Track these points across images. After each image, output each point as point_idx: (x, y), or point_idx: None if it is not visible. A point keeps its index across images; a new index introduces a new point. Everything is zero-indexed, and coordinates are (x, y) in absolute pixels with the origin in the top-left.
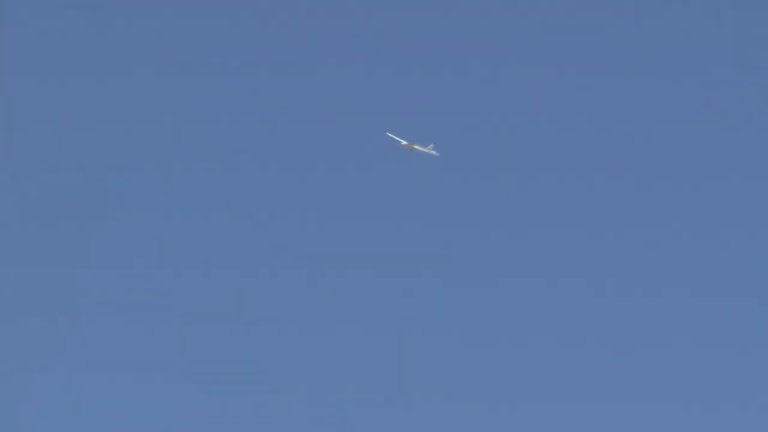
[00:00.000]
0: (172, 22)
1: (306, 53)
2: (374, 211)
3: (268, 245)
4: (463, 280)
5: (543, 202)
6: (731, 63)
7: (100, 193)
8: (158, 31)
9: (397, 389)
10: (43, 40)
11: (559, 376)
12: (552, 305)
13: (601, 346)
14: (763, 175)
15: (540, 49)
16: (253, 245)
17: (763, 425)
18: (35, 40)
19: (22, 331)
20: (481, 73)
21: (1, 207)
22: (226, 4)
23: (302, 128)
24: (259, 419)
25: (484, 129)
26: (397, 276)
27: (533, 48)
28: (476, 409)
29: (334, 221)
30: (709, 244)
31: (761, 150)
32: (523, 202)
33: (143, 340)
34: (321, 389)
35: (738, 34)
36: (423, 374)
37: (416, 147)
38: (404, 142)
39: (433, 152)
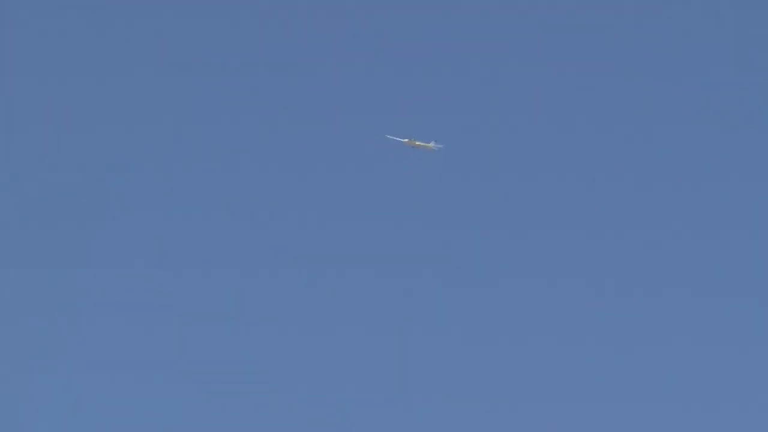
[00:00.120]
0: (172, 22)
1: (306, 53)
2: (374, 211)
3: (268, 245)
4: (463, 280)
5: (543, 202)
6: (731, 63)
7: (100, 193)
8: (158, 31)
9: (397, 389)
10: (43, 40)
11: (559, 376)
12: (552, 305)
13: (601, 346)
14: (763, 175)
15: (540, 49)
16: (253, 245)
17: (763, 425)
18: (35, 40)
19: (22, 331)
20: (481, 73)
21: (1, 207)
22: (226, 4)
23: (302, 128)
24: (259, 419)
25: (484, 129)
26: (397, 276)
27: (533, 48)
28: (476, 409)
29: (334, 221)
30: (709, 244)
31: (761, 150)
32: (523, 202)
33: (143, 340)
34: (321, 389)
35: (738, 34)
36: (423, 374)
37: (418, 143)
38: (405, 140)
39: (437, 146)
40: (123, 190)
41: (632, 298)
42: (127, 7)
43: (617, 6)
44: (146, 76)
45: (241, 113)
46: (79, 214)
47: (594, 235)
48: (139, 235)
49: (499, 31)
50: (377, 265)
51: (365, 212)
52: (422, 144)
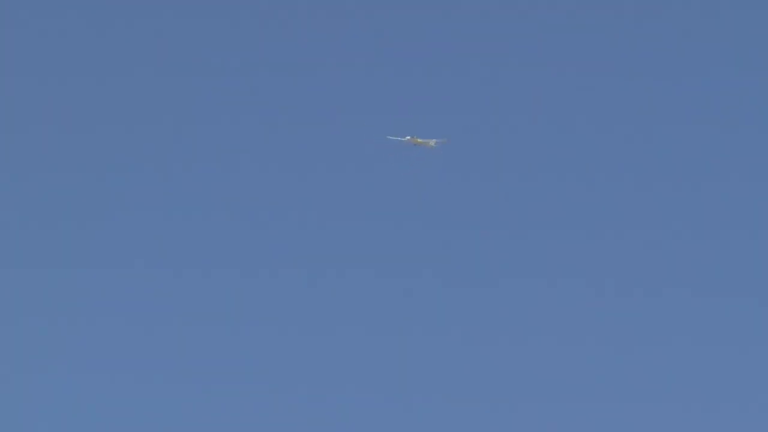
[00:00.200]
0: (172, 22)
1: (306, 53)
2: (374, 211)
3: (268, 245)
4: (463, 280)
5: (543, 202)
6: (731, 63)
7: (100, 193)
8: (158, 31)
9: (397, 389)
10: (43, 40)
11: (559, 376)
12: (552, 305)
13: (601, 346)
14: (763, 175)
15: (540, 49)
16: (253, 245)
17: (763, 425)
18: (35, 40)
19: (22, 331)
20: (481, 73)
21: (1, 207)
22: (226, 4)
23: (302, 128)
24: (259, 419)
25: (484, 129)
26: (397, 276)
27: (533, 48)
28: (476, 409)
29: (334, 221)
30: (709, 244)
31: (761, 150)
32: (523, 202)
33: (143, 340)
34: (321, 389)
35: (738, 34)
36: (423, 374)
37: (419, 141)
38: (407, 138)
39: (439, 141)
40: (123, 190)
41: (632, 298)
42: (127, 7)
43: (617, 6)
44: (146, 76)
45: (241, 113)
46: (79, 214)
47: (594, 235)
48: (139, 235)
49: (499, 31)
50: (377, 265)
51: (365, 212)
52: (424, 141)
